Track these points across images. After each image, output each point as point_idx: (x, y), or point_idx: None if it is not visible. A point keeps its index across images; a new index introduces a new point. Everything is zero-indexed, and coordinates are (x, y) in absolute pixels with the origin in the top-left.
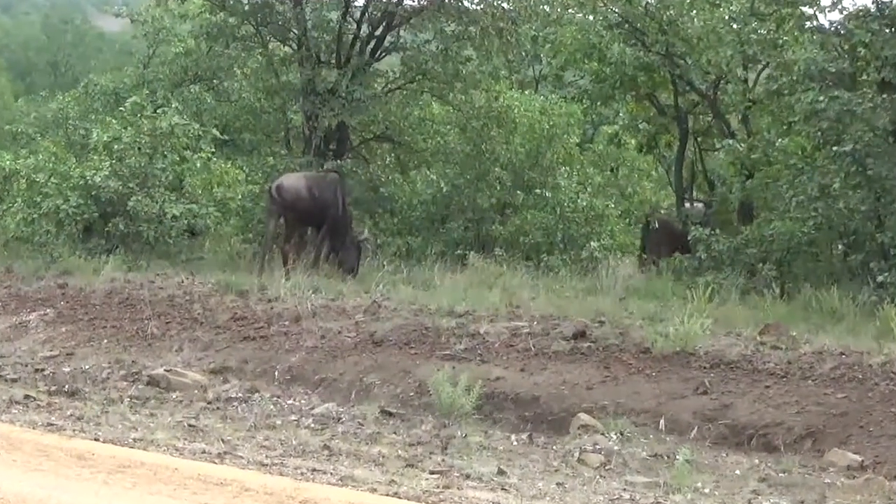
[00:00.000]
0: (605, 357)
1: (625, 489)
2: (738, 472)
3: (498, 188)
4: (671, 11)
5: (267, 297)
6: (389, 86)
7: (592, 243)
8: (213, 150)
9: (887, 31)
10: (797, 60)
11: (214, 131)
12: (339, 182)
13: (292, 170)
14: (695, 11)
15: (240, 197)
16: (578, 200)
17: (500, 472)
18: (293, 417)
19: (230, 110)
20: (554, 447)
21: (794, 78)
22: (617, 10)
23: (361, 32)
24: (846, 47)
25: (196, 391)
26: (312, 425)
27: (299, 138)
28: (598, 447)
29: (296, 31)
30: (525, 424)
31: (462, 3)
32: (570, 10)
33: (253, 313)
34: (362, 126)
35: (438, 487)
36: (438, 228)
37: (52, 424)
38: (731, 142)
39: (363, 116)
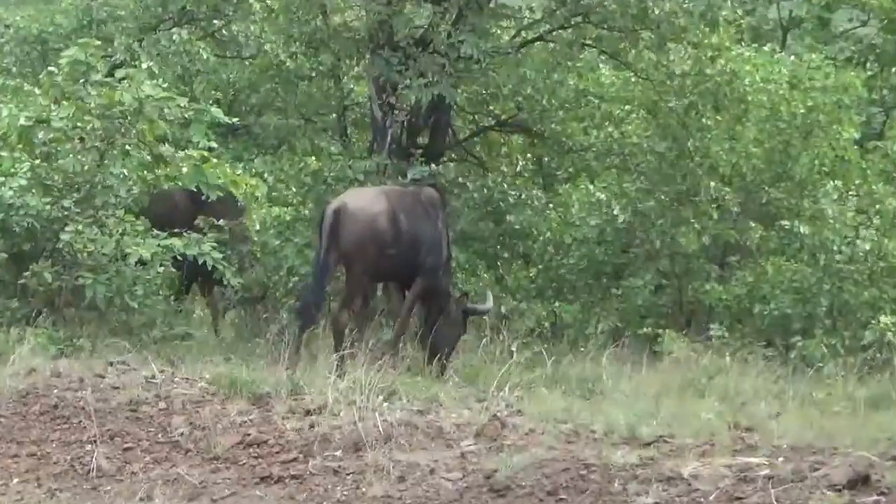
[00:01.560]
0: None
1: None
2: None
3: (714, 218)
4: None
5: (304, 405)
6: (524, 35)
7: (883, 318)
8: (214, 143)
9: None
10: None
11: (215, 111)
12: (443, 205)
13: (356, 182)
14: None
15: (257, 227)
16: (858, 241)
17: None
18: None
19: (242, 75)
20: None
21: None
22: None
23: None
24: None
25: None
26: None
27: (364, 125)
28: None
29: None
30: None
31: None
32: None
33: (279, 434)
34: (476, 105)
35: None
36: (609, 288)
37: None
38: None
39: (478, 88)
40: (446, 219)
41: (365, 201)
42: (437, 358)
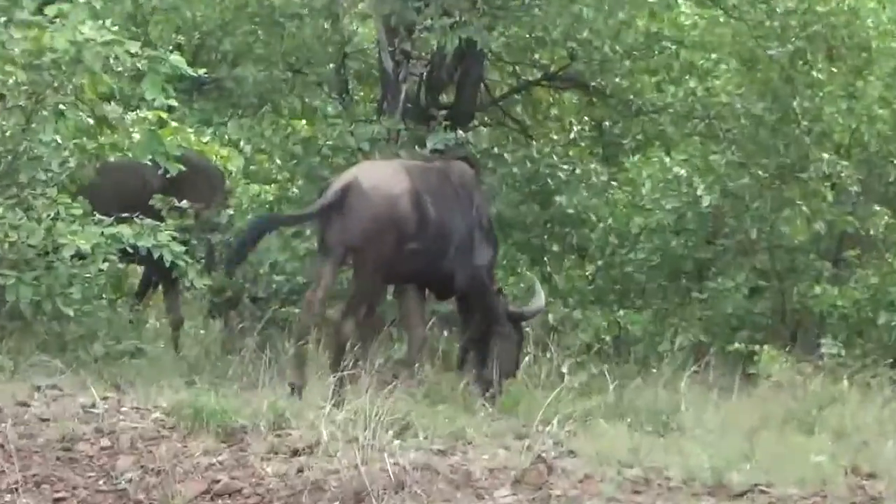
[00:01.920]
0: None
1: None
2: None
3: (828, 200)
4: None
5: (289, 443)
6: None
7: None
8: (174, 101)
9: None
10: None
11: (176, 59)
12: (478, 184)
13: (359, 153)
14: None
15: (230, 211)
16: None
17: None
18: None
19: (212, 13)
20: None
21: None
22: None
23: None
24: None
25: None
26: None
27: (370, 79)
28: None
29: None
30: None
31: None
32: None
33: (257, 482)
34: (516, 53)
35: None
36: (690, 291)
37: None
38: None
39: (519, 30)
40: (483, 202)
41: (381, 178)
42: (489, 386)
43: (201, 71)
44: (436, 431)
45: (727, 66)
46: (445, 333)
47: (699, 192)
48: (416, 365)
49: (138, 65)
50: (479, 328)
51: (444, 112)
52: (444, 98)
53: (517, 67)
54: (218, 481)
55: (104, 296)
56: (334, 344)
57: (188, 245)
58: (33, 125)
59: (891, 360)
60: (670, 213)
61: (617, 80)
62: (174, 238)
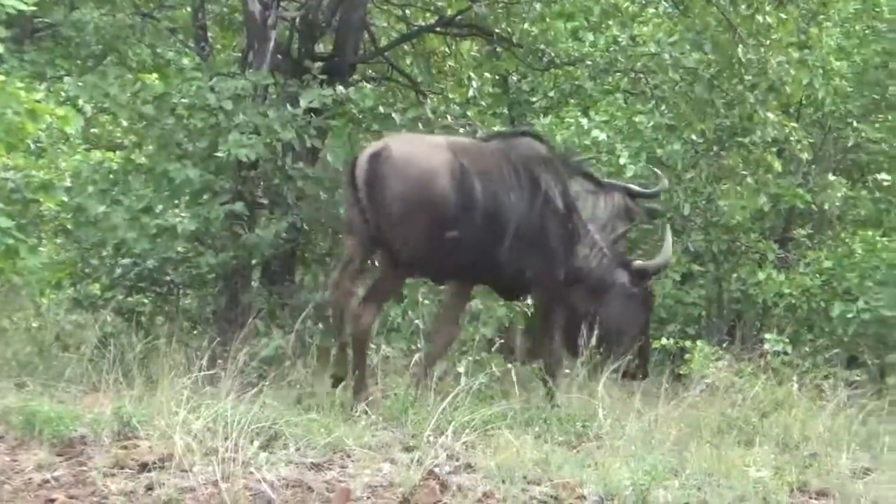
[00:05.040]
0: None
1: None
2: None
3: (776, 169)
4: None
5: (137, 456)
6: None
7: None
8: None
9: None
10: None
11: None
12: (549, 163)
13: (225, 114)
14: None
15: (67, 182)
16: None
17: None
18: None
19: None
20: None
21: None
22: None
23: None
24: None
25: None
26: None
27: (233, 25)
28: None
29: None
30: None
31: None
32: None
33: (97, 499)
34: None
35: None
36: None
37: None
38: None
39: None
40: (558, 185)
41: (417, 150)
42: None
43: (30, 8)
44: (309, 442)
45: (656, 9)
46: (320, 326)
47: (622, 160)
48: (436, 363)
49: None
50: (552, 326)
51: (320, 65)
52: (321, 48)
53: (407, 11)
54: (53, 500)
55: None
56: (352, 336)
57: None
58: None
59: (846, 361)
60: None
61: (525, 26)
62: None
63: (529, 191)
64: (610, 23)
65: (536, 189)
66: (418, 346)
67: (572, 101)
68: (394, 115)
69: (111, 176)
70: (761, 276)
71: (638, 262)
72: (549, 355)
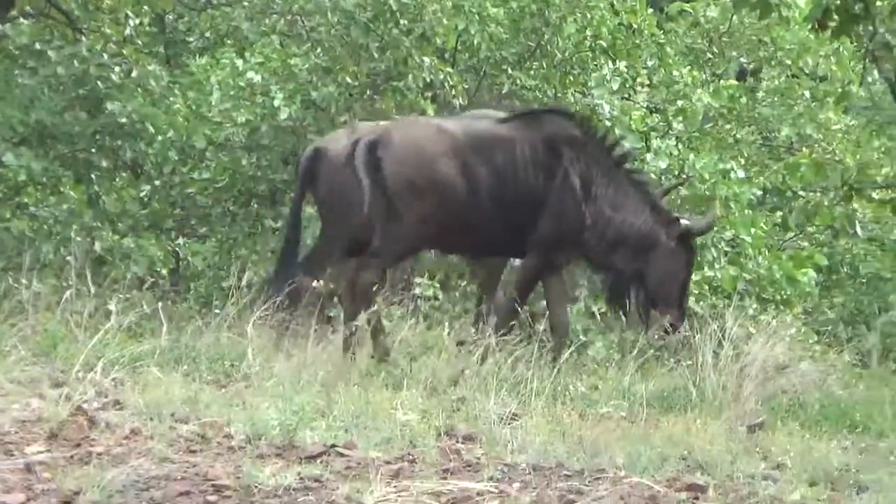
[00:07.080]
0: None
1: None
2: None
3: (428, 114)
4: None
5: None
6: None
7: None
8: None
9: None
10: None
11: None
12: (576, 139)
13: None
14: None
15: None
16: (648, 156)
17: None
18: None
19: None
20: None
21: None
22: None
23: None
24: None
25: None
26: None
27: None
28: None
29: None
30: None
31: None
32: None
33: None
34: None
35: None
36: (262, 218)
37: None
38: None
39: None
40: (584, 160)
41: (417, 134)
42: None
43: None
44: None
45: None
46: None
47: (276, 103)
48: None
49: None
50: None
51: None
52: None
53: None
54: None
55: None
56: (348, 295)
57: None
58: None
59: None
60: (242, 126)
61: None
62: None
63: (546, 169)
64: None
65: (557, 165)
66: (69, 282)
67: (229, 42)
68: (49, 52)
69: None
70: None
71: (685, 221)
72: (555, 320)
